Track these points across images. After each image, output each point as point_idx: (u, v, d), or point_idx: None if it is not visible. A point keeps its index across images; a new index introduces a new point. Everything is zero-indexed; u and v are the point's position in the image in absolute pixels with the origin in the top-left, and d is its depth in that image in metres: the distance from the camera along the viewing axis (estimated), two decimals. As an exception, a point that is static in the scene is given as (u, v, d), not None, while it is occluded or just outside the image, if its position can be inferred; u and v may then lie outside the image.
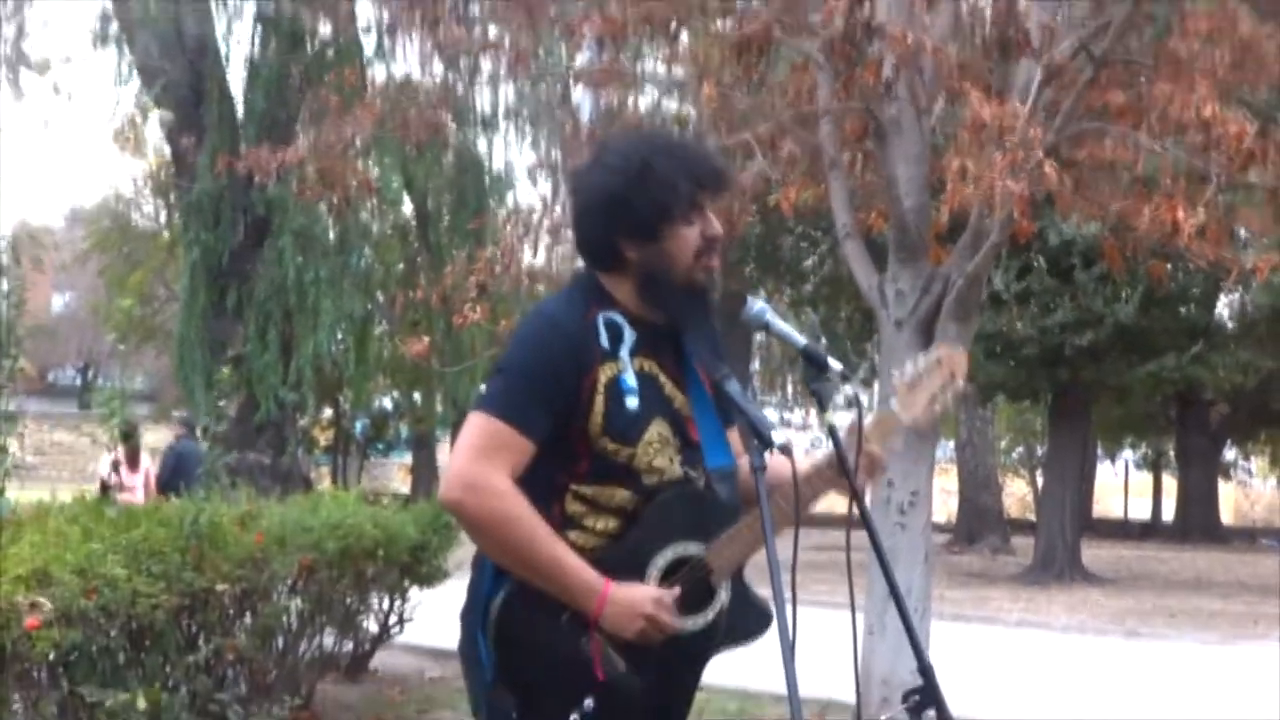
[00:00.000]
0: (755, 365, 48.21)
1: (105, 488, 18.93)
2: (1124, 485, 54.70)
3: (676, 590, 3.35)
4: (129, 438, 19.89)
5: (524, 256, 9.42)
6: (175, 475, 19.04)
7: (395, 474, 56.04)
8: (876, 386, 14.38)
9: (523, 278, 9.42)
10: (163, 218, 42.75)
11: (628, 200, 3.39)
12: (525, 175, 36.06)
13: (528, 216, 10.02)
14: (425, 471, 47.21)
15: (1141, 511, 52.33)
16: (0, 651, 4.68)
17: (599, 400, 3.36)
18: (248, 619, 7.61)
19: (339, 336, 28.67)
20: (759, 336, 45.29)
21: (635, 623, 3.29)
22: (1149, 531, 46.52)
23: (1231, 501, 53.89)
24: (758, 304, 3.59)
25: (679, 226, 3.41)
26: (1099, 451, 50.70)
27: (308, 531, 8.64)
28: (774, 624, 3.37)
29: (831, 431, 3.41)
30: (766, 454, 3.35)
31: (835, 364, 3.46)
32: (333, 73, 17.21)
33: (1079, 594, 22.68)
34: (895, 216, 8.68)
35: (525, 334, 3.46)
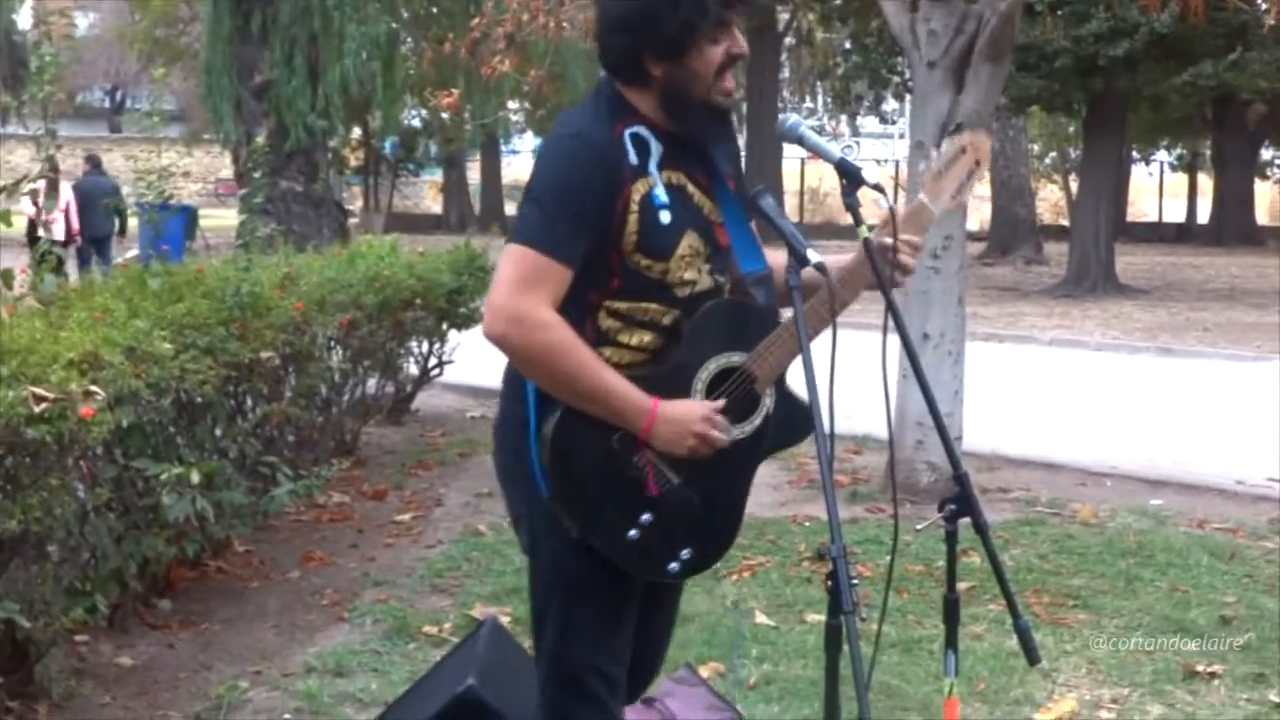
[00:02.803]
0: (784, 75, 47.76)
1: (33, 224, 19.26)
2: (1159, 187, 54.45)
3: (722, 402, 3.41)
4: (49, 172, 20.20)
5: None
6: (83, 209, 19.69)
7: (427, 193, 56.09)
8: (907, 111, 14.20)
9: (550, 26, 9.34)
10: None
11: (657, 17, 3.35)
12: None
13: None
14: (456, 190, 47.25)
15: (1176, 214, 52.14)
16: (59, 438, 4.79)
17: (633, 218, 3.36)
18: (292, 379, 7.76)
19: (365, 58, 28.36)
20: (788, 40, 44.80)
21: (686, 440, 3.35)
22: (1184, 234, 46.49)
23: (1268, 202, 53.62)
24: (791, 117, 3.63)
25: (705, 45, 3.38)
26: (1133, 154, 50.35)
27: (347, 288, 8.74)
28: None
29: (865, 245, 3.43)
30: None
31: (869, 177, 3.47)
32: None
33: (1112, 307, 22.81)
34: (928, -46, 8.55)
35: (555, 156, 3.43)
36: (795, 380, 3.41)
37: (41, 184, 19.43)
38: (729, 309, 3.52)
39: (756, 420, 3.49)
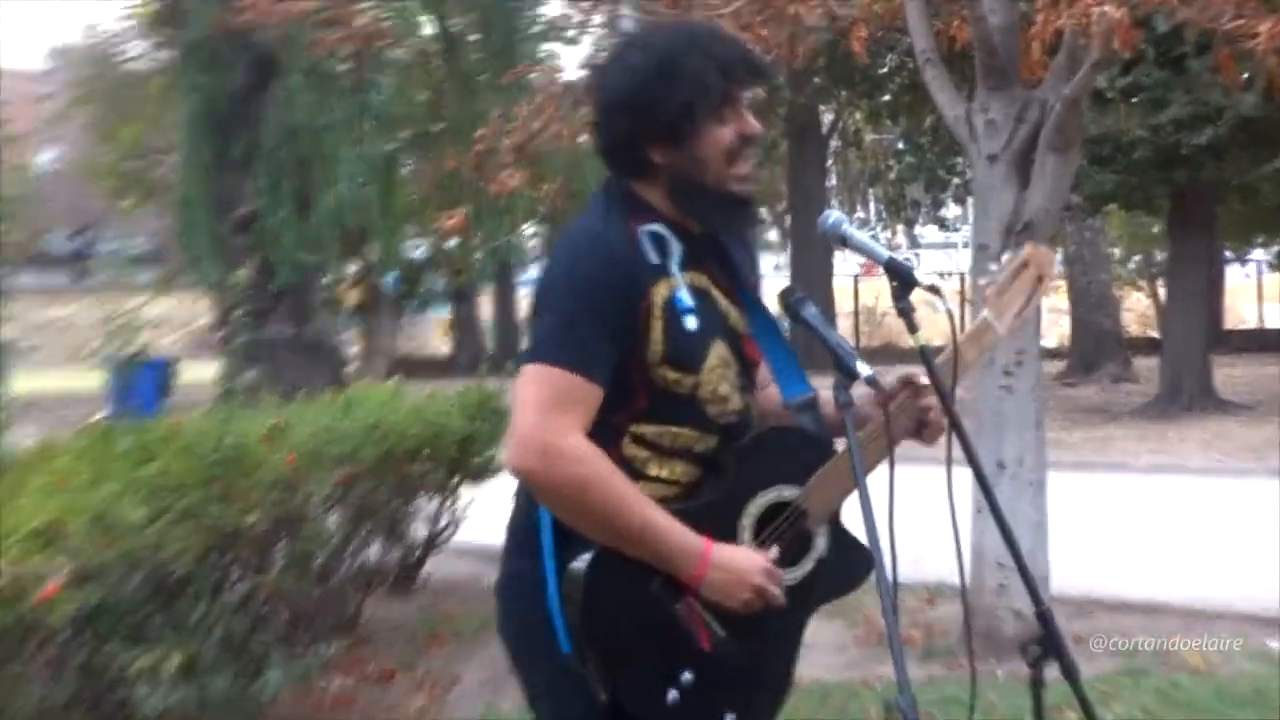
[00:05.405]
0: (831, 182, 48.02)
1: None
2: (1257, 290, 54.25)
3: (781, 573, 3.34)
4: None
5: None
6: None
7: (434, 332, 56.19)
8: (970, 216, 14.26)
9: (564, 134, 9.36)
10: (155, 60, 42.67)
11: (653, 99, 3.38)
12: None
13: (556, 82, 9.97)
14: (467, 328, 47.32)
15: (1278, 318, 51.92)
16: (18, 622, 4.75)
17: (657, 325, 3.33)
18: (283, 546, 7.70)
19: (361, 184, 28.54)
20: (834, 143, 45.05)
21: (742, 592, 3.28)
22: (1288, 341, 46.20)
23: (1380, 300, 53.33)
24: (833, 214, 3.60)
25: (710, 125, 3.40)
26: (1227, 253, 50.29)
27: (343, 440, 8.71)
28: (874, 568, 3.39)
29: (923, 354, 3.40)
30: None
31: (922, 277, 3.44)
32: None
33: (1213, 425, 22.64)
34: (981, 38, 8.56)
35: (568, 260, 3.40)
36: (851, 519, 3.36)
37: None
38: (778, 437, 3.48)
39: (809, 564, 3.43)
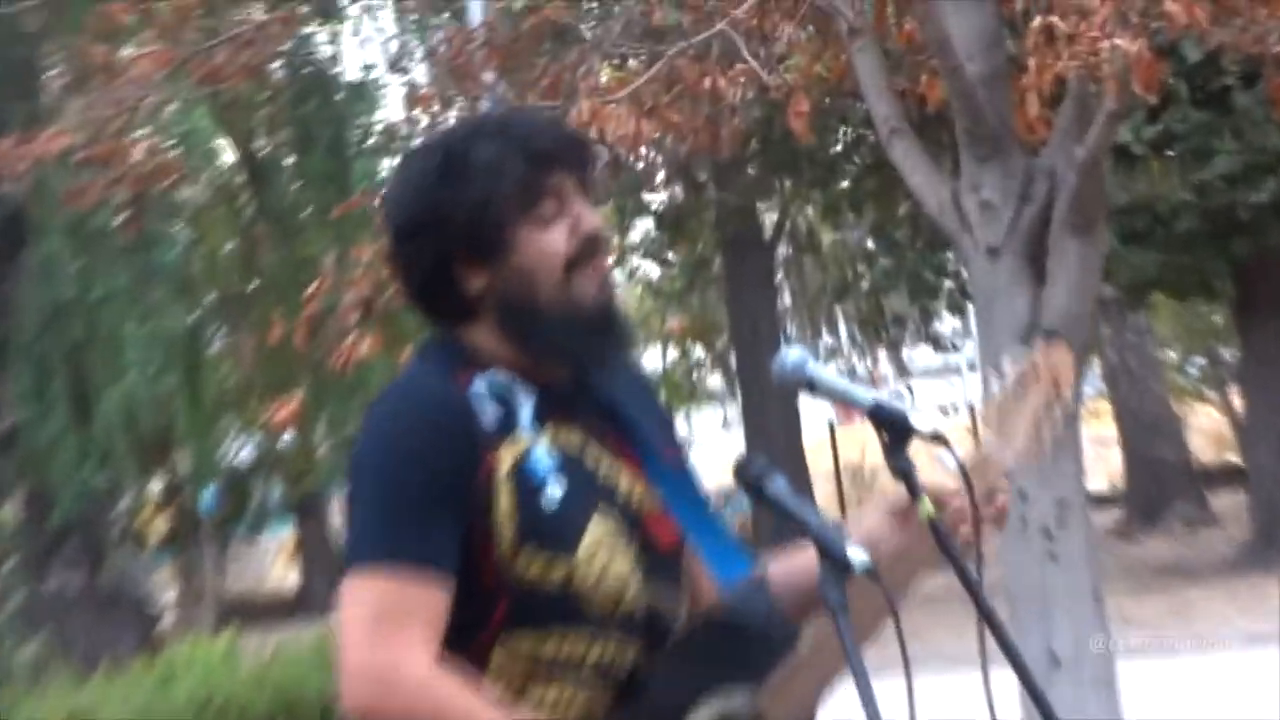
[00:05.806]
0: (785, 301, 48.14)
1: None
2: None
3: None
4: None
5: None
6: None
7: (270, 560, 55.64)
8: (973, 328, 14.26)
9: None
10: None
11: (441, 203, 3.41)
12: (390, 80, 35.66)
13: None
14: (316, 550, 46.91)
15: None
16: None
17: (504, 497, 3.29)
18: None
19: (156, 371, 28.28)
20: (782, 251, 45.16)
21: None
22: None
23: None
24: (792, 353, 3.57)
25: (527, 228, 3.41)
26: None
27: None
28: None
29: (934, 529, 3.41)
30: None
31: (921, 422, 3.45)
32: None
33: (1325, 572, 22.68)
34: (960, 95, 8.59)
35: (378, 429, 3.40)
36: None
37: None
38: (717, 631, 3.45)
39: None
